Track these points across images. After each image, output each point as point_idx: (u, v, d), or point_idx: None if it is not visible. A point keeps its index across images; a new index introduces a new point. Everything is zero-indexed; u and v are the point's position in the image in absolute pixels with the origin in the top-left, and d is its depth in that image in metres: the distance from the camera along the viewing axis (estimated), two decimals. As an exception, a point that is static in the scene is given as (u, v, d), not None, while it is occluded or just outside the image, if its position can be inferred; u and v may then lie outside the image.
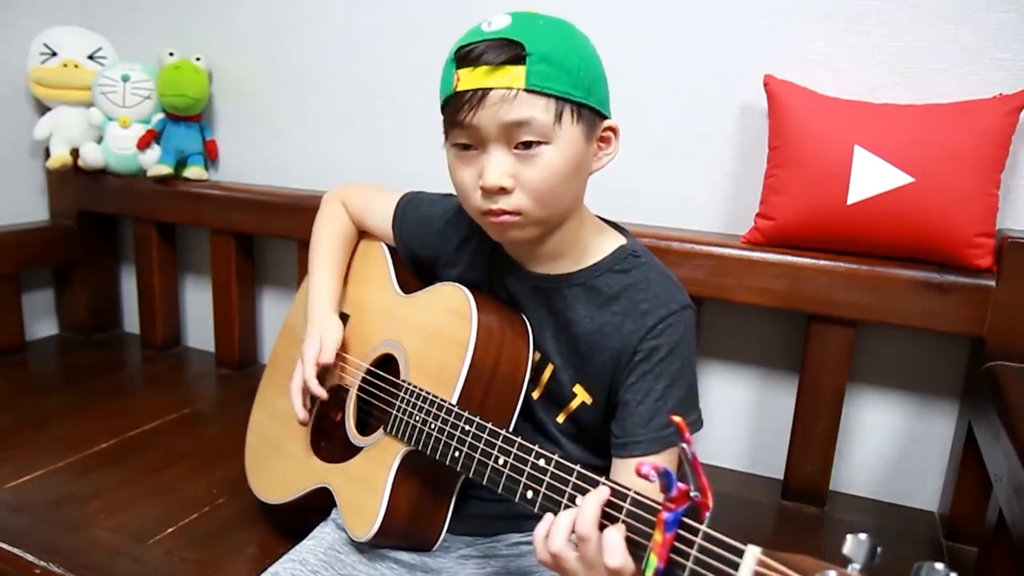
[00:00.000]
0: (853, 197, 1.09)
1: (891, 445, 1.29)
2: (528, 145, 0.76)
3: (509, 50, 0.74)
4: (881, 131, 1.09)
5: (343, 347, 1.00)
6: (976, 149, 1.05)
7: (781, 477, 1.28)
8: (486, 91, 0.74)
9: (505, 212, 0.78)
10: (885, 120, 1.10)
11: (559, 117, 0.75)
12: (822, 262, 1.15)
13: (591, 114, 0.78)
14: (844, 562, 0.50)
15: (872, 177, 1.08)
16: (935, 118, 1.08)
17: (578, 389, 0.88)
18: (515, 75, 0.74)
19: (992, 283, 1.08)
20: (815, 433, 1.22)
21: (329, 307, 1.02)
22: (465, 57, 0.76)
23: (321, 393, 0.96)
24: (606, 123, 0.82)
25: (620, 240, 0.89)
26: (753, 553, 0.54)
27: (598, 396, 0.87)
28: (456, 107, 0.77)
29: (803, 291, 1.17)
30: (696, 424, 0.84)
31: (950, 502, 1.17)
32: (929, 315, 1.11)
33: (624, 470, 0.81)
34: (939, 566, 0.47)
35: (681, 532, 0.58)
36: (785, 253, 1.18)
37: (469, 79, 0.75)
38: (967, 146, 1.05)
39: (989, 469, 0.98)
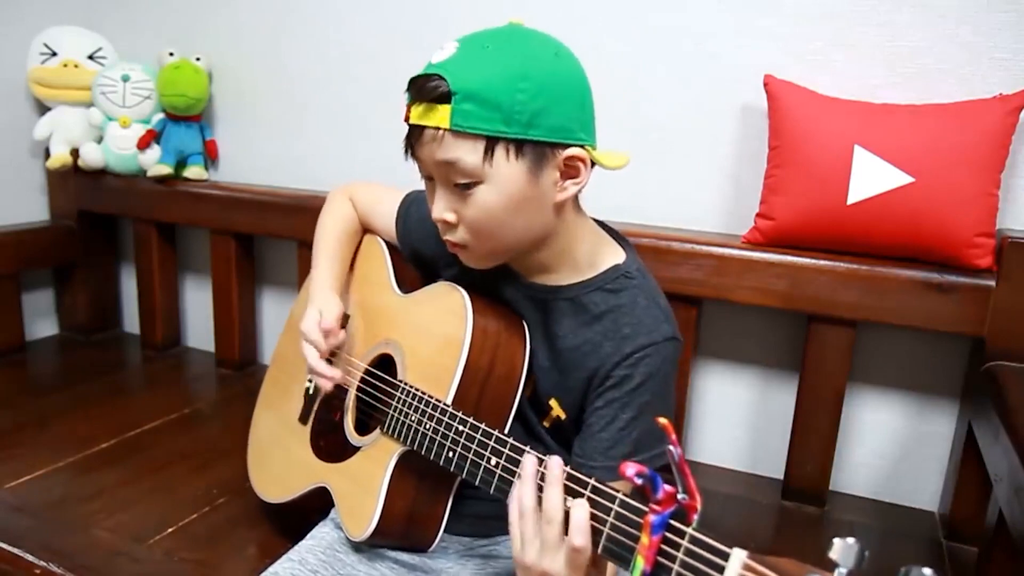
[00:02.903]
0: (853, 197, 1.09)
1: (891, 445, 1.29)
2: (464, 185, 0.76)
3: (438, 88, 0.73)
4: (881, 131, 1.09)
5: (343, 347, 1.00)
6: (976, 149, 1.05)
7: (781, 477, 1.28)
8: (421, 129, 0.75)
9: (455, 244, 0.81)
10: (885, 120, 1.10)
11: (490, 156, 0.74)
12: (822, 262, 1.15)
13: (537, 147, 0.74)
14: (831, 566, 0.50)
15: (872, 177, 1.08)
16: (935, 118, 1.08)
17: (553, 403, 0.87)
18: (441, 115, 0.73)
19: (992, 283, 1.08)
20: (815, 433, 1.22)
21: (329, 290, 1.02)
22: (410, 90, 0.76)
23: (335, 373, 0.94)
24: (567, 152, 0.76)
25: (618, 258, 0.86)
26: (739, 557, 0.54)
27: (571, 413, 0.86)
28: (407, 137, 0.78)
29: (803, 291, 1.17)
30: (656, 459, 0.80)
31: (950, 502, 1.17)
32: (929, 315, 1.11)
33: None
34: (927, 571, 0.47)
35: (668, 535, 0.58)
36: (785, 253, 1.18)
37: (413, 114, 0.76)
38: (967, 146, 1.05)
39: (989, 469, 0.98)
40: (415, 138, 0.77)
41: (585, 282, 0.85)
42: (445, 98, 0.72)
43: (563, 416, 0.87)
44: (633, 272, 0.85)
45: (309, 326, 0.96)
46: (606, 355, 0.82)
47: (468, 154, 0.74)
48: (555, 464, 0.67)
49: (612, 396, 0.81)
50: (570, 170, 0.78)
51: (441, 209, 0.78)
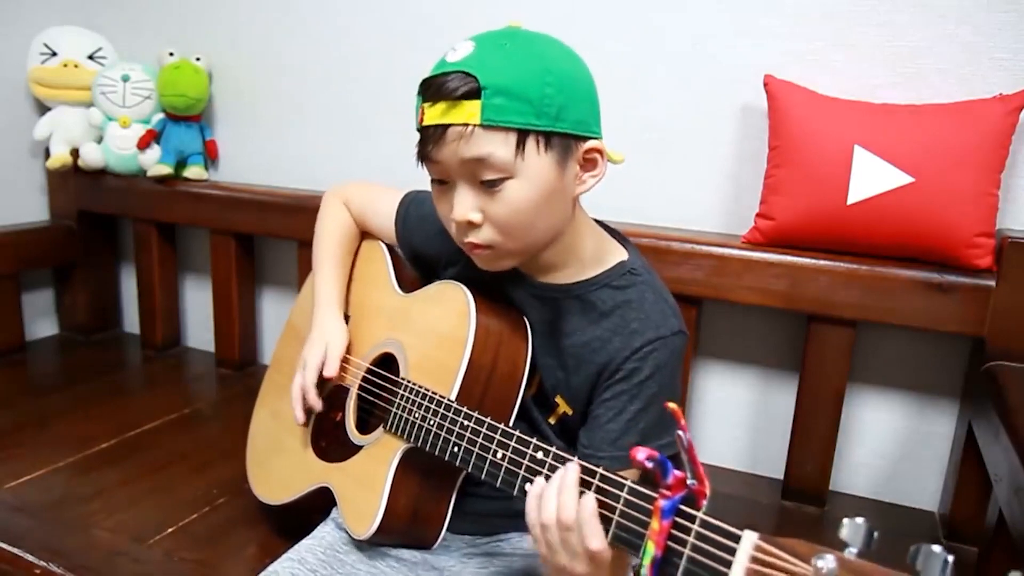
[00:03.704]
0: (853, 197, 1.09)
1: (891, 445, 1.29)
2: (493, 182, 0.75)
3: (465, 84, 0.72)
4: (881, 131, 1.09)
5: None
6: (976, 149, 1.05)
7: (781, 477, 1.28)
8: (445, 128, 0.73)
9: (478, 246, 0.79)
10: (885, 120, 1.10)
11: (521, 149, 0.73)
12: (822, 262, 1.15)
13: (563, 140, 0.75)
14: (841, 546, 0.50)
15: (872, 177, 1.08)
16: (935, 118, 1.08)
17: (559, 400, 0.88)
18: (470, 111, 0.72)
19: (992, 283, 1.08)
20: (815, 433, 1.22)
21: (334, 311, 1.02)
22: (427, 91, 0.75)
23: (316, 404, 0.96)
24: (587, 145, 0.78)
25: (622, 255, 0.87)
26: (750, 538, 0.54)
27: (578, 409, 0.87)
28: (423, 141, 0.77)
29: (803, 291, 1.17)
30: (666, 448, 0.81)
31: (950, 502, 1.17)
32: (929, 315, 1.11)
33: None
34: (936, 548, 0.47)
35: (678, 519, 0.59)
36: (785, 253, 1.18)
37: (431, 114, 0.74)
38: (967, 146, 1.05)
39: (989, 469, 0.98)
40: (435, 139, 0.74)
41: (591, 279, 0.85)
42: (474, 94, 0.72)
43: (570, 412, 0.87)
44: (639, 268, 0.86)
45: (312, 361, 0.96)
46: (615, 350, 0.82)
47: (500, 148, 0.73)
48: (571, 469, 0.67)
49: (620, 388, 0.82)
50: (588, 163, 0.79)
51: (466, 209, 0.76)
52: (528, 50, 0.75)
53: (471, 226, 0.77)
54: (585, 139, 0.78)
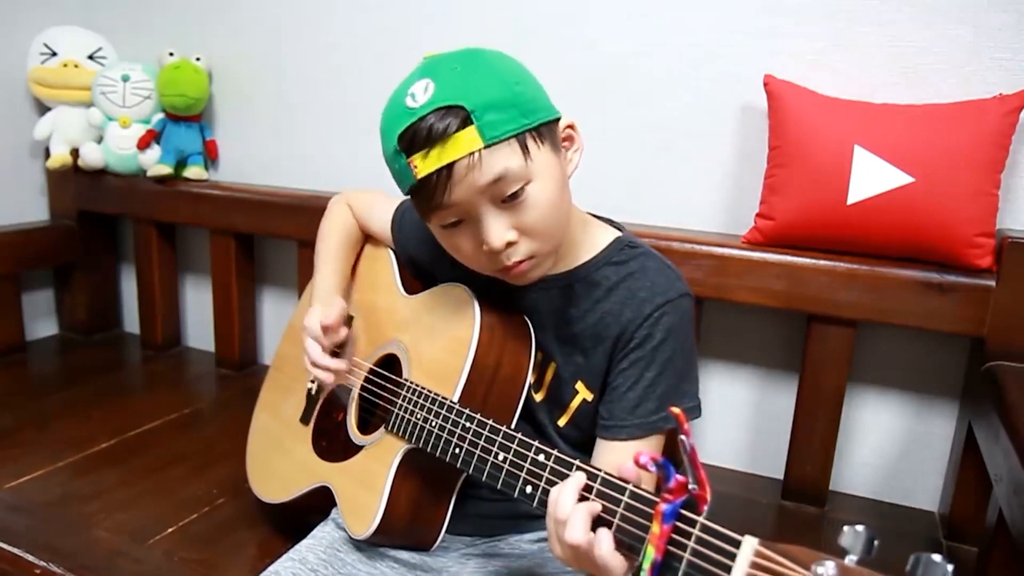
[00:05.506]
0: (853, 197, 1.09)
1: (891, 445, 1.29)
2: (515, 194, 0.75)
3: (453, 117, 0.71)
4: (881, 131, 1.09)
5: (345, 346, 1.00)
6: (976, 149, 1.05)
7: (781, 477, 1.28)
8: (449, 167, 0.72)
9: (520, 262, 0.78)
10: (885, 120, 1.10)
11: (526, 152, 0.74)
12: (822, 262, 1.15)
13: (548, 127, 0.78)
14: (841, 553, 0.50)
15: (872, 177, 1.08)
16: (935, 118, 1.08)
17: (579, 386, 0.88)
18: (469, 139, 0.71)
19: (992, 283, 1.08)
20: (815, 433, 1.22)
21: (332, 291, 1.02)
22: (411, 143, 0.73)
23: (339, 365, 0.94)
24: (562, 124, 0.81)
25: (615, 233, 0.90)
26: (751, 544, 0.54)
27: (597, 390, 0.87)
28: (427, 193, 0.74)
29: (803, 291, 1.17)
30: (692, 412, 0.84)
31: (950, 502, 1.17)
32: (929, 315, 1.11)
33: (607, 452, 0.83)
34: (936, 557, 0.47)
35: (679, 524, 0.59)
36: (785, 253, 1.18)
37: (427, 163, 0.72)
38: (967, 146, 1.05)
39: (989, 469, 0.98)
40: (442, 183, 0.72)
41: (591, 260, 0.87)
42: (466, 121, 0.71)
43: (590, 397, 0.88)
44: (635, 243, 0.88)
45: (311, 322, 0.95)
46: (628, 320, 0.83)
47: (511, 160, 0.73)
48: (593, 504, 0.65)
49: (636, 356, 0.83)
50: (567, 140, 0.82)
51: (502, 233, 0.75)
52: (478, 65, 0.76)
53: (510, 246, 0.77)
54: (558, 120, 0.80)
